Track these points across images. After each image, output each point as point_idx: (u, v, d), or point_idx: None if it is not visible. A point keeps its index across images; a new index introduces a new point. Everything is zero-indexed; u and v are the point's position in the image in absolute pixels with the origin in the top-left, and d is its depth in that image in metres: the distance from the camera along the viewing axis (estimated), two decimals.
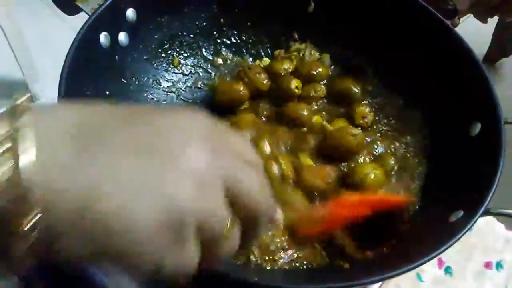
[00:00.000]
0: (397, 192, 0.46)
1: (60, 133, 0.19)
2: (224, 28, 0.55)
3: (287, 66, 0.53)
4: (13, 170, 0.17)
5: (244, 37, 0.56)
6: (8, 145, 0.17)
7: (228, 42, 0.56)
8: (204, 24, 0.54)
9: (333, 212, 0.41)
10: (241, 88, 0.51)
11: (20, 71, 1.02)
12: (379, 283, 0.48)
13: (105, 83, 0.45)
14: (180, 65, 0.54)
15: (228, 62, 0.56)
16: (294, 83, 0.51)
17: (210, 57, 0.56)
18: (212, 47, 0.56)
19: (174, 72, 0.54)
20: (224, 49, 0.56)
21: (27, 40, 1.00)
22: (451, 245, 0.34)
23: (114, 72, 0.47)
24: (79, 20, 0.70)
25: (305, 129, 0.49)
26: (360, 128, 0.49)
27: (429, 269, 0.50)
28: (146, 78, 0.51)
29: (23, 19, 0.99)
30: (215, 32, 0.55)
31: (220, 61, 0.56)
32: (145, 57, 0.51)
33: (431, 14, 0.49)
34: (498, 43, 1.33)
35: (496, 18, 1.10)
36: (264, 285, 0.34)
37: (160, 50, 0.52)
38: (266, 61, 0.56)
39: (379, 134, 0.51)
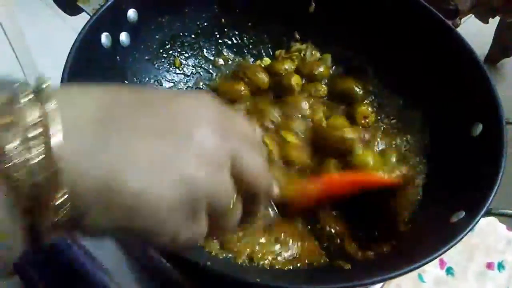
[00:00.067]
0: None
1: (84, 117, 0.20)
2: (225, 29, 0.55)
3: (288, 66, 0.53)
4: (45, 152, 0.18)
5: (245, 38, 0.56)
6: (40, 129, 0.18)
7: (229, 42, 0.56)
8: (205, 24, 0.54)
9: (320, 187, 0.43)
10: (242, 88, 0.51)
11: (21, 71, 1.02)
12: (380, 284, 0.48)
13: (106, 84, 0.45)
14: (182, 66, 0.54)
15: (230, 62, 0.56)
16: (295, 80, 0.51)
17: (212, 58, 0.56)
18: (213, 47, 0.56)
19: (175, 73, 0.54)
20: (225, 49, 0.56)
21: (28, 40, 1.00)
22: (452, 246, 0.34)
23: (116, 72, 0.47)
24: (81, 20, 0.71)
25: (299, 115, 0.50)
26: (361, 127, 0.49)
27: (431, 269, 0.50)
28: (147, 79, 0.51)
29: (24, 19, 0.99)
30: (216, 33, 0.55)
31: (221, 61, 0.56)
32: (146, 58, 0.51)
33: (433, 14, 0.49)
34: (500, 43, 1.33)
35: (497, 19, 1.10)
36: (264, 285, 0.34)
37: (161, 51, 0.52)
38: (266, 60, 0.56)
39: (380, 133, 0.51)
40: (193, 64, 0.55)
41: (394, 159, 0.48)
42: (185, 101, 0.24)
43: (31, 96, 0.19)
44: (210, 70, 0.56)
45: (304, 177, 0.45)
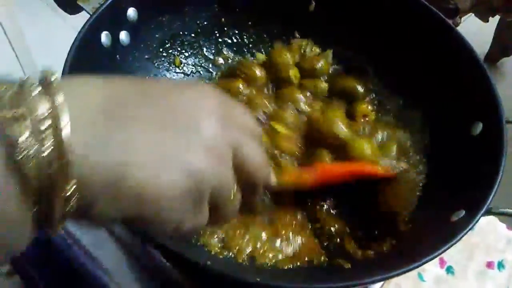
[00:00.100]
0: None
1: (91, 109, 0.21)
2: (225, 28, 0.55)
3: (287, 55, 0.53)
4: (56, 145, 0.19)
5: (245, 37, 0.56)
6: (50, 121, 0.19)
7: (229, 41, 0.56)
8: (205, 23, 0.54)
9: (312, 176, 0.43)
10: (241, 85, 0.51)
11: (21, 70, 1.02)
12: (380, 283, 0.48)
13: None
14: (182, 65, 0.54)
15: (229, 61, 0.56)
16: (293, 72, 0.51)
17: (211, 57, 0.56)
18: (213, 46, 0.56)
19: (175, 72, 0.54)
20: (225, 48, 0.56)
21: (28, 40, 1.00)
22: (452, 245, 0.34)
23: (115, 71, 0.47)
24: (80, 19, 0.71)
25: (292, 106, 0.50)
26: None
27: (431, 268, 0.50)
28: (147, 78, 0.51)
29: (24, 19, 0.99)
30: (216, 32, 0.55)
31: (221, 60, 0.56)
32: (146, 57, 0.51)
33: (433, 13, 0.49)
34: (500, 42, 1.33)
35: (497, 18, 1.10)
36: (264, 284, 0.34)
37: (161, 50, 0.52)
38: (260, 55, 0.56)
39: (379, 128, 0.50)
40: (193, 63, 0.55)
41: (393, 152, 0.47)
42: (186, 92, 0.25)
43: (40, 89, 0.19)
44: (210, 69, 0.56)
45: (295, 167, 0.46)
